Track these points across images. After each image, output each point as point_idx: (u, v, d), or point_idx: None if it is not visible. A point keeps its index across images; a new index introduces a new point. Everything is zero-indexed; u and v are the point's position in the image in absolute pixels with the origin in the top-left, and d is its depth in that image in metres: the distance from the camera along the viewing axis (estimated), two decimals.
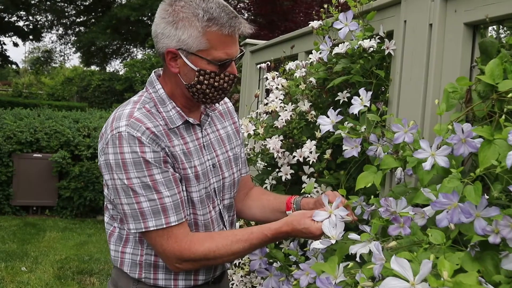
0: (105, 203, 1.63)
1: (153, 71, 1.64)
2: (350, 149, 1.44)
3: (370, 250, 1.17)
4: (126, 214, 1.49)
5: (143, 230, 1.48)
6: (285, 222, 1.51)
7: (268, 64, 2.52)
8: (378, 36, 1.92)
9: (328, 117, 1.49)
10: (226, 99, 1.84)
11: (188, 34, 1.46)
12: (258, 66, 2.77)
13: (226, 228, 1.70)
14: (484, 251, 1.07)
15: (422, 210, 1.17)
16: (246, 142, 2.41)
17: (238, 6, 16.28)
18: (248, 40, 3.79)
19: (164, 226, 1.47)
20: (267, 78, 2.43)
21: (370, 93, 1.44)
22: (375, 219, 1.25)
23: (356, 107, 1.45)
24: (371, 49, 1.82)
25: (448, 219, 1.10)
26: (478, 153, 1.18)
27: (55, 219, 7.68)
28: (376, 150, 1.55)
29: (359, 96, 2.05)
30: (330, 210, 1.47)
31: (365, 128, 1.61)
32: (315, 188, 1.98)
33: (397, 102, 1.76)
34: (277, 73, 2.44)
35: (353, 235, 1.23)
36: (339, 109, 1.48)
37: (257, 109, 2.49)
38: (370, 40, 1.82)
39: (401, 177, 1.36)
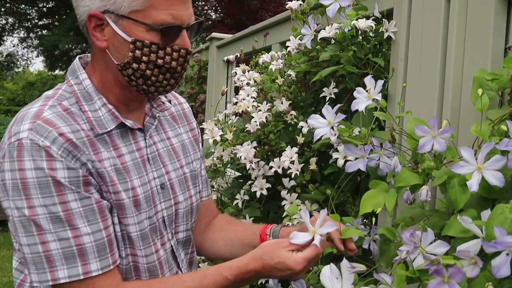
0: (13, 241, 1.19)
1: (77, 57, 1.21)
2: (354, 161, 1.04)
3: None
4: (27, 259, 1.05)
5: (50, 283, 1.04)
6: (252, 256, 1.11)
7: (236, 55, 2.11)
8: (373, 17, 1.54)
9: (322, 116, 1.08)
10: (181, 99, 1.41)
11: None
12: (226, 58, 2.37)
13: (181, 271, 1.27)
14: None
15: (471, 253, 0.79)
16: (213, 150, 2.00)
17: (206, 8, 15.86)
18: (214, 34, 3.41)
19: (82, 278, 1.04)
20: (236, 73, 2.03)
21: (381, 82, 1.05)
22: (399, 266, 0.86)
23: (361, 102, 1.05)
24: (368, 31, 1.45)
25: None
26: None
27: (7, 234, 7.07)
28: (379, 159, 1.16)
29: (345, 91, 1.68)
30: (313, 230, 1.09)
31: (359, 131, 1.22)
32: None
33: (403, 96, 1.38)
34: (248, 67, 2.04)
35: None
36: (338, 105, 1.08)
37: (225, 109, 2.09)
38: (367, 20, 1.44)
39: (426, 199, 0.97)
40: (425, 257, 0.80)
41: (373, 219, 1.31)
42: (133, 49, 1.08)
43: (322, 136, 1.18)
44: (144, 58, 1.08)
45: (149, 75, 1.11)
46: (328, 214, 1.23)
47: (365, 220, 1.36)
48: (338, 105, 1.07)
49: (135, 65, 1.09)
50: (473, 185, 0.84)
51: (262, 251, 1.10)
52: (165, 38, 1.08)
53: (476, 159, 0.87)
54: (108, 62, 1.12)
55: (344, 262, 0.95)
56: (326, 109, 1.07)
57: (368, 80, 1.05)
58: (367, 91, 1.04)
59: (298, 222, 1.55)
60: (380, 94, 1.04)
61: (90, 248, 1.04)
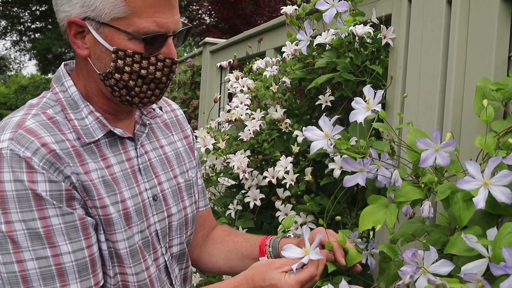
0: None
1: (62, 63, 1.15)
2: (352, 175, 0.99)
3: None
4: (3, 278, 0.99)
5: None
6: (244, 277, 1.06)
7: (230, 61, 2.06)
8: (370, 23, 1.50)
9: (319, 128, 1.03)
10: (174, 105, 1.35)
11: None
12: (219, 65, 2.32)
13: None
14: None
15: (478, 276, 0.74)
16: (205, 158, 1.95)
17: (200, 12, 15.83)
18: (207, 39, 3.36)
19: None
20: (229, 80, 1.98)
21: (381, 92, 1.00)
22: None
23: (360, 113, 0.99)
24: (366, 37, 1.40)
25: None
26: None
27: None
28: (377, 170, 1.11)
29: (342, 99, 1.63)
30: (306, 250, 1.04)
31: (356, 141, 1.17)
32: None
33: (401, 106, 1.34)
34: (241, 73, 2.00)
35: None
36: (336, 116, 1.03)
37: (218, 117, 2.04)
38: (364, 26, 1.39)
39: (429, 215, 0.92)
40: (430, 281, 0.75)
41: (371, 233, 1.27)
42: (115, 58, 1.02)
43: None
44: (127, 68, 1.02)
45: (132, 85, 1.05)
46: (325, 227, 1.18)
47: (362, 232, 1.31)
48: (336, 116, 1.02)
49: (117, 75, 1.03)
50: (480, 202, 0.80)
51: (254, 272, 1.05)
52: (149, 48, 1.02)
53: (482, 173, 0.82)
54: (91, 71, 1.07)
55: (343, 284, 0.90)
56: (323, 121, 1.01)
57: (367, 89, 1.00)
58: (365, 101, 0.99)
59: (292, 234, 1.50)
60: (380, 104, 0.99)
61: (71, 268, 0.98)
